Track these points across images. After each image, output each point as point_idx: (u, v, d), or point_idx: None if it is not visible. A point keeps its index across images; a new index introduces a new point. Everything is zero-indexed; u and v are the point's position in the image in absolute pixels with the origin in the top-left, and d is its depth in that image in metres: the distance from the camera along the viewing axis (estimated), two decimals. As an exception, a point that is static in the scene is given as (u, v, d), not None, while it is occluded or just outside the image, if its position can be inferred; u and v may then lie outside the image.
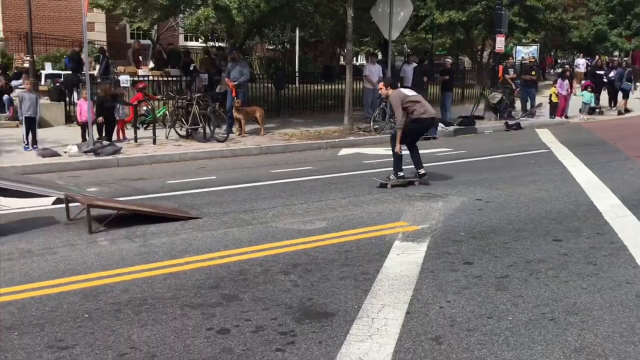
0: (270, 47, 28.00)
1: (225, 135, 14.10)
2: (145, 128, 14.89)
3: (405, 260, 5.77)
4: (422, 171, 9.28)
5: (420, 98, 9.37)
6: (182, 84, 18.03)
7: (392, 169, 9.39)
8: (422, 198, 8.42)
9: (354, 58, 29.18)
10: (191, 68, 19.70)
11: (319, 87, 21.17)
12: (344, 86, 18.65)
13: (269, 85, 19.69)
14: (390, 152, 9.50)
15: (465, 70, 27.37)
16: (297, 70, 24.95)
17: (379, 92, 10.33)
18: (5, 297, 4.85)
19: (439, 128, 15.76)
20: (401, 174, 9.27)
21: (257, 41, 23.04)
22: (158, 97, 16.34)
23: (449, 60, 20.76)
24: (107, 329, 4.27)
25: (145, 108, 15.52)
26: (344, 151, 13.63)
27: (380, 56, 21.38)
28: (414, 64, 18.22)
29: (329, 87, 20.96)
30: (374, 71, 17.27)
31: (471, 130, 16.76)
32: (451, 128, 16.58)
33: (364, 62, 30.03)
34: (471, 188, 9.02)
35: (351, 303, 4.77)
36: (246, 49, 19.75)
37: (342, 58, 33.82)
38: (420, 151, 9.57)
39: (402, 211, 7.68)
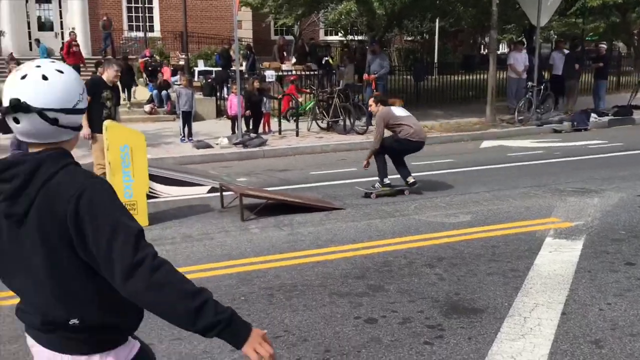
0: (409, 38, 27.77)
1: (365, 128, 14.22)
2: (295, 120, 15.35)
3: (558, 259, 5.49)
4: (410, 179, 8.21)
5: (412, 120, 8.29)
6: (323, 77, 18.47)
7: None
8: (575, 193, 7.95)
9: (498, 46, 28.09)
10: (323, 62, 20.09)
11: (459, 78, 20.66)
12: (485, 76, 18.07)
13: (408, 76, 19.54)
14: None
15: (620, 57, 25.33)
16: (436, 60, 24.53)
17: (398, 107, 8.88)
18: (170, 277, 5.28)
19: (591, 119, 14.76)
20: (387, 181, 8.35)
21: (396, 33, 22.93)
22: (307, 90, 16.82)
23: (603, 45, 19.31)
24: (262, 312, 4.51)
25: (294, 101, 16.11)
26: (486, 143, 13.20)
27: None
28: (565, 51, 17.16)
29: (469, 77, 20.39)
30: (520, 60, 16.51)
31: (628, 120, 15.49)
32: (605, 118, 15.44)
33: (506, 50, 28.82)
34: (630, 183, 8.36)
35: (501, 300, 4.64)
36: (385, 41, 19.74)
37: (482, 47, 32.72)
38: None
39: (553, 207, 7.31)
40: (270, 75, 16.03)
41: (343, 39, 23.47)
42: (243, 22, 25.47)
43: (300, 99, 16.14)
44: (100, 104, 7.88)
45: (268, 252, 5.97)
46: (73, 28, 21.96)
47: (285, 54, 20.70)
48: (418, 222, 6.88)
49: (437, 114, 17.33)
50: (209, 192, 8.65)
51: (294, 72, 18.31)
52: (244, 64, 19.84)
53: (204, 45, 24.54)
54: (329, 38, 26.32)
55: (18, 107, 1.73)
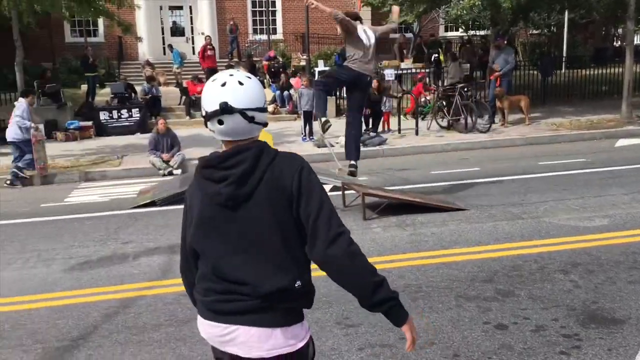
0: (535, 32, 26.51)
1: (488, 126, 13.79)
2: (422, 119, 15.19)
3: None
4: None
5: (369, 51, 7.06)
6: (442, 74, 18.13)
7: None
8: None
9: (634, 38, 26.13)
10: (432, 59, 19.66)
11: (590, 72, 19.42)
12: (619, 69, 16.88)
13: (534, 72, 18.69)
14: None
15: None
16: (564, 54, 23.23)
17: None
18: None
19: None
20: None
21: (521, 26, 21.96)
22: (433, 87, 16.62)
23: None
24: (387, 311, 4.51)
25: (424, 99, 15.98)
26: (622, 142, 12.33)
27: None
28: None
29: (601, 71, 19.11)
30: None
31: None
32: None
33: (644, 41, 26.74)
34: None
35: (644, 311, 4.32)
36: (510, 35, 19.01)
37: (615, 39, 30.56)
38: None
39: (703, 211, 6.69)
40: (389, 74, 15.95)
41: (464, 34, 22.86)
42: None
43: (428, 97, 16.00)
44: None
45: (391, 251, 5.95)
46: (203, 33, 23.14)
47: (405, 51, 20.52)
48: (549, 225, 6.56)
49: (566, 110, 16.43)
50: (331, 190, 8.76)
51: (413, 70, 18.12)
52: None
53: (324, 45, 24.92)
54: (449, 34, 25.74)
55: (226, 109, 2.06)
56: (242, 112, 2.08)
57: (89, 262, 6.04)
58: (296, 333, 2.16)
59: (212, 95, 2.09)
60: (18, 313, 4.79)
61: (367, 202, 7.39)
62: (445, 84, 16.38)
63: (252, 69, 18.25)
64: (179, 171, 11.09)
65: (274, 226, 2.09)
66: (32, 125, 10.90)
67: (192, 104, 17.18)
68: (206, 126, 2.14)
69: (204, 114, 2.13)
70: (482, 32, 22.32)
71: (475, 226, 6.65)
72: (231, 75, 2.13)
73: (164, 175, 10.92)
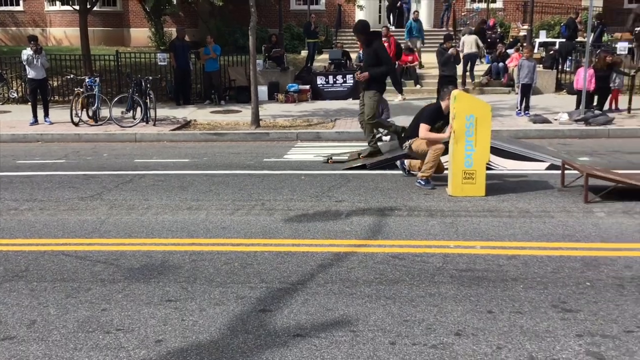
0: None
1: None
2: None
3: None
4: None
5: None
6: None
7: None
8: None
9: None
10: None
11: None
12: None
13: None
14: None
15: None
16: None
17: None
18: (509, 251, 5.25)
19: None
20: None
21: None
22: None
23: None
24: (610, 302, 4.17)
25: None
26: None
27: None
28: None
29: None
30: None
31: None
32: None
33: None
34: None
35: None
36: None
37: None
38: None
39: None
40: (622, 47, 14.43)
41: None
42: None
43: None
44: None
45: (617, 239, 5.47)
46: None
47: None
48: None
49: None
50: (548, 169, 8.28)
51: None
52: (591, 35, 18.24)
53: (546, 15, 23.30)
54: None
55: None
56: None
57: (306, 215, 6.45)
58: None
59: None
60: (245, 254, 5.30)
61: (590, 185, 6.84)
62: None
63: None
64: (387, 137, 11.26)
65: None
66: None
67: (403, 73, 17.22)
68: None
69: None
70: None
71: None
72: None
73: (374, 140, 11.16)
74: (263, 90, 16.29)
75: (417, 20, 19.14)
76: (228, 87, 16.78)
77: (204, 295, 4.44)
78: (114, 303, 4.32)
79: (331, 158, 9.36)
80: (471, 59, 16.77)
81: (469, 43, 16.65)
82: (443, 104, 7.49)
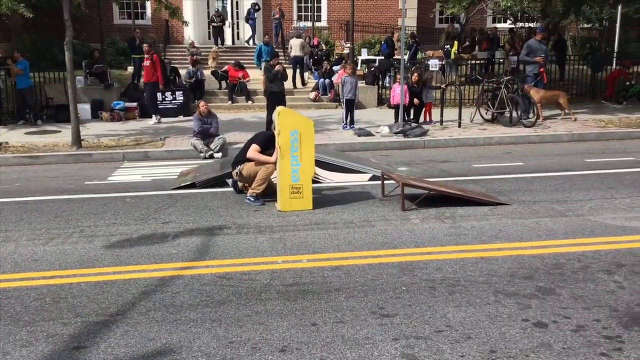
0: (586, 26, 25.73)
1: (533, 120, 13.48)
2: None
3: None
4: None
5: None
6: (491, 67, 17.75)
7: None
8: None
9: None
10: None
11: (642, 69, 18.75)
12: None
13: (583, 66, 18.19)
14: None
15: None
16: (615, 50, 22.47)
17: None
18: (334, 262, 5.40)
19: None
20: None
21: (572, 19, 21.34)
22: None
23: None
24: (423, 304, 4.45)
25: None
26: (675, 142, 11.91)
27: None
28: None
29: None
30: None
31: None
32: None
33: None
34: None
35: (693, 317, 4.15)
36: (559, 28, 18.49)
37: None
38: None
39: None
40: (434, 64, 15.71)
41: (512, 26, 22.32)
42: (409, 10, 25.23)
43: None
44: None
45: (429, 243, 5.88)
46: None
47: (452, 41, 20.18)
48: (594, 223, 6.37)
49: (615, 108, 15.98)
50: (370, 179, 8.72)
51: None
52: (407, 52, 19.67)
53: (367, 34, 24.71)
54: (498, 25, 25.11)
55: None
56: None
57: (130, 240, 6.14)
58: None
59: None
60: (59, 287, 4.90)
61: (407, 193, 7.31)
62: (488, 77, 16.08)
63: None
64: (219, 154, 11.18)
65: None
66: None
67: (234, 89, 17.25)
68: None
69: None
70: (530, 24, 21.75)
71: (517, 222, 6.51)
72: None
73: (204, 158, 11.02)
74: (85, 108, 15.39)
75: (268, 44, 19.27)
76: (45, 105, 15.61)
77: (9, 337, 4.02)
78: None
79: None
80: (298, 61, 18.41)
81: (295, 46, 18.46)
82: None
